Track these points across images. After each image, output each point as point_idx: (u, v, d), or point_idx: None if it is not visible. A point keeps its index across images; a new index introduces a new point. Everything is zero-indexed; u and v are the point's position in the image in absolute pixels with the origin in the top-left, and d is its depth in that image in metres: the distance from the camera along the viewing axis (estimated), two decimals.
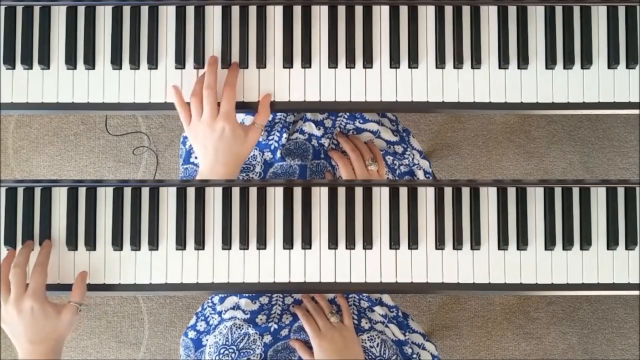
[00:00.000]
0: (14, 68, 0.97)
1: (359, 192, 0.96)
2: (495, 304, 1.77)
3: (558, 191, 0.96)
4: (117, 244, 0.95)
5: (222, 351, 0.99)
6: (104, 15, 0.97)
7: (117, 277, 0.95)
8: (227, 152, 0.91)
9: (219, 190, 0.96)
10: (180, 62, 0.96)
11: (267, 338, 0.99)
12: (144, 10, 0.97)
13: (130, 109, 0.97)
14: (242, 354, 0.98)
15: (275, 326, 1.00)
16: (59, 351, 0.90)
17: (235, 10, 0.97)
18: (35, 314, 0.87)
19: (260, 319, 1.02)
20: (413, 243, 0.95)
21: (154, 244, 0.95)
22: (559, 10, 0.97)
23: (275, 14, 0.97)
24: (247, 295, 1.05)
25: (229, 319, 1.03)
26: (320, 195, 0.96)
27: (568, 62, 0.96)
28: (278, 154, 1.07)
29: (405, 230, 0.95)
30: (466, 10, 0.97)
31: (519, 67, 0.97)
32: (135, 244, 0.95)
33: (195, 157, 1.13)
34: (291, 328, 1.00)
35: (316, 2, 0.96)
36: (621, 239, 0.96)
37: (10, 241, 0.95)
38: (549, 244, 0.95)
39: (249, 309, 1.03)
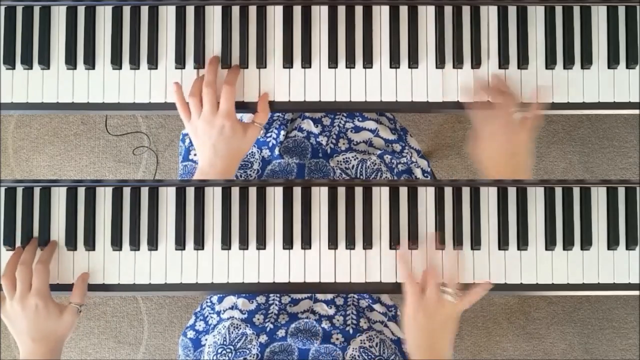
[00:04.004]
0: (14, 68, 0.96)
1: (359, 192, 0.96)
2: (496, 304, 1.77)
3: (558, 191, 0.96)
4: (117, 244, 0.95)
5: (220, 351, 0.99)
6: (104, 15, 0.97)
7: (117, 277, 0.95)
8: (226, 147, 0.92)
9: (218, 190, 0.96)
10: (180, 62, 0.96)
11: (263, 338, 0.99)
12: (144, 10, 0.97)
13: (130, 109, 0.97)
14: (238, 353, 0.98)
15: (272, 326, 1.00)
16: (59, 351, 0.91)
17: (235, 10, 0.96)
18: (38, 312, 0.88)
19: (258, 319, 1.02)
20: (413, 243, 0.95)
21: (153, 244, 0.94)
22: (559, 10, 0.97)
23: (275, 14, 0.97)
24: (244, 295, 1.04)
25: (227, 318, 1.03)
26: (320, 195, 0.96)
27: (568, 62, 0.96)
28: (276, 152, 1.07)
29: (405, 230, 0.95)
30: (466, 10, 0.97)
31: (519, 67, 0.97)
32: (135, 244, 0.95)
33: (195, 155, 1.13)
34: (287, 329, 0.99)
35: (316, 2, 0.96)
36: (622, 239, 0.95)
37: (9, 241, 0.95)
38: (550, 244, 0.95)
39: (246, 308, 1.03)
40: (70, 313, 0.91)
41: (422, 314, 0.88)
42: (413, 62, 0.96)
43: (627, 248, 0.96)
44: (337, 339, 0.98)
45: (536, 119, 0.93)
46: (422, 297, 0.88)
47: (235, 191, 0.96)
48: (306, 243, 0.95)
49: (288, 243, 0.95)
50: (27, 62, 0.96)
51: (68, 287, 0.93)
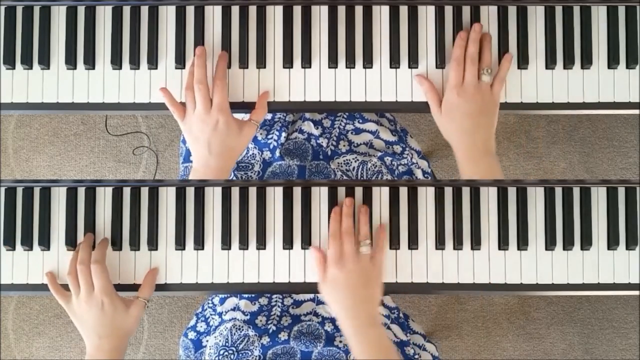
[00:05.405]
0: (14, 68, 0.96)
1: (358, 192, 0.96)
2: (496, 304, 1.77)
3: (558, 191, 0.96)
4: (116, 244, 0.95)
5: (221, 352, 0.99)
6: (104, 15, 0.97)
7: (117, 277, 0.94)
8: (220, 144, 0.91)
9: (218, 190, 0.96)
10: (180, 62, 0.96)
11: (265, 339, 0.99)
12: (144, 10, 0.97)
13: (130, 109, 0.97)
14: (241, 355, 0.98)
15: (274, 328, 1.00)
16: (124, 348, 0.92)
17: (235, 10, 0.96)
18: (105, 309, 0.89)
19: (260, 321, 1.02)
20: (413, 243, 0.95)
21: (153, 244, 0.94)
22: (559, 10, 0.97)
23: (275, 14, 0.97)
24: (246, 296, 1.04)
25: (229, 320, 1.03)
26: (320, 195, 0.96)
27: (568, 62, 0.96)
28: (277, 153, 1.07)
29: (405, 230, 0.95)
30: (466, 10, 0.97)
31: (519, 67, 0.96)
32: (135, 244, 0.95)
33: None
34: (290, 332, 0.99)
35: (316, 2, 0.96)
36: (621, 239, 0.95)
37: (9, 241, 0.95)
38: (550, 244, 0.95)
39: (248, 310, 1.03)
40: (138, 307, 0.91)
41: (339, 271, 0.88)
42: (413, 62, 0.96)
43: (627, 248, 0.96)
44: (341, 341, 0.98)
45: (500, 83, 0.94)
46: (340, 259, 0.89)
47: (235, 191, 0.96)
48: (306, 243, 0.94)
49: (288, 243, 0.95)
50: (27, 62, 0.96)
51: (64, 288, 0.93)
